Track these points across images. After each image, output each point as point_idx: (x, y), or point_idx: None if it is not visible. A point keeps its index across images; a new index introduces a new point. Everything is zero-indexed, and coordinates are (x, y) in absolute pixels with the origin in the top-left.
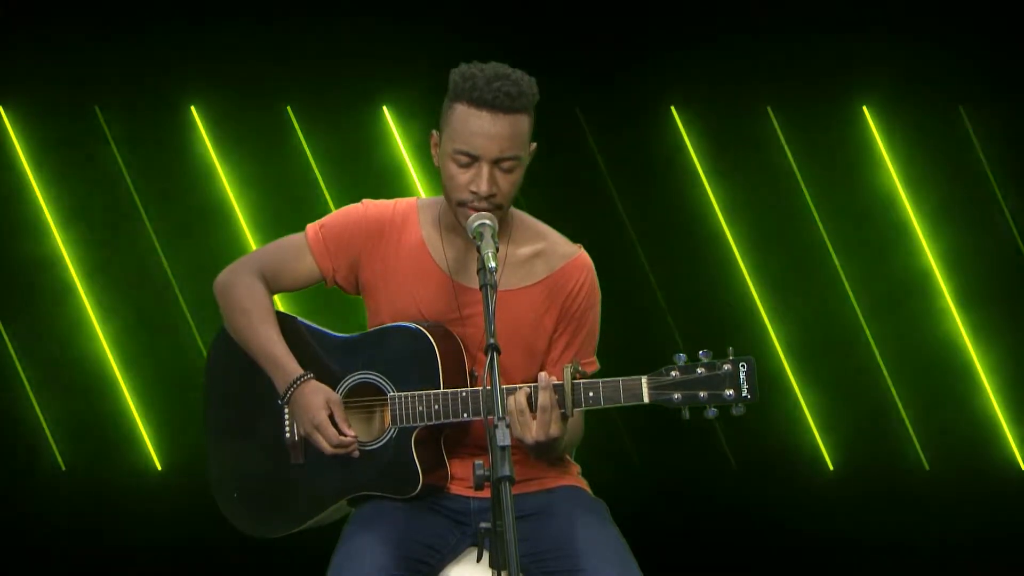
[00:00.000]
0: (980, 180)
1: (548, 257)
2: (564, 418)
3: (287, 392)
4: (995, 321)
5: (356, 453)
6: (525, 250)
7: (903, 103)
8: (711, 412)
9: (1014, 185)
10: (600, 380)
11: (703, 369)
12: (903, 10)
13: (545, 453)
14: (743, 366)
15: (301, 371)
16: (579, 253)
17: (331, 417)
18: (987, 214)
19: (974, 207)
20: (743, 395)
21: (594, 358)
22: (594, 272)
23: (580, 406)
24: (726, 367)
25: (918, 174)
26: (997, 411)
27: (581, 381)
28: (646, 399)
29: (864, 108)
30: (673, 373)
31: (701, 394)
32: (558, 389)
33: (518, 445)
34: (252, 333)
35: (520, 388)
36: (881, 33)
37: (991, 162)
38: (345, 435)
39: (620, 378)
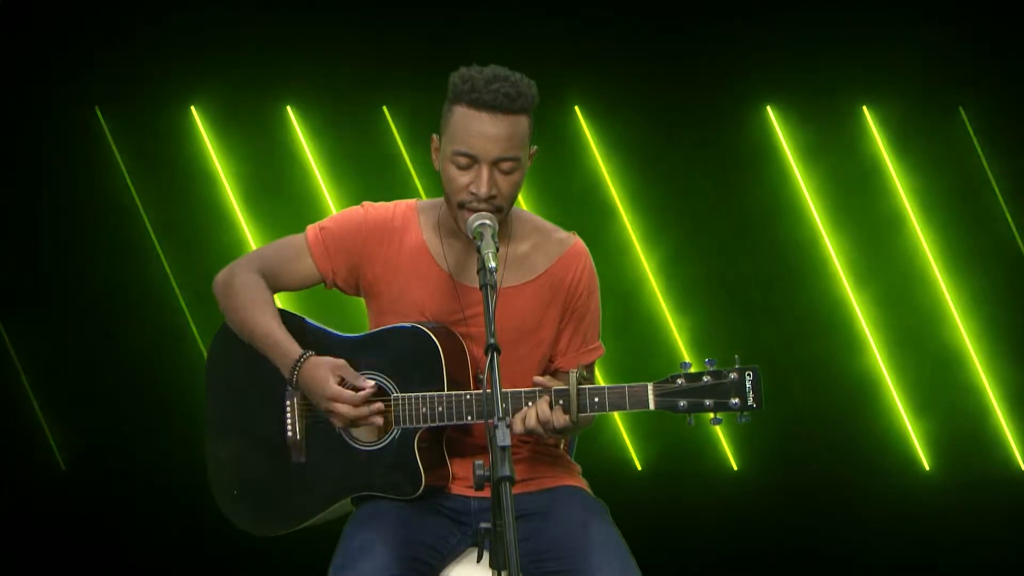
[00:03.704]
0: (980, 180)
1: (545, 249)
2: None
3: (292, 375)
4: (995, 321)
5: (379, 407)
6: (524, 246)
7: (903, 103)
8: (716, 420)
9: (1014, 185)
10: (606, 386)
11: (709, 377)
12: (904, 9)
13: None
14: (749, 375)
15: (301, 351)
16: (575, 241)
17: (343, 383)
18: (987, 214)
19: (974, 207)
20: (748, 404)
21: (599, 342)
22: (591, 258)
23: (585, 411)
24: (732, 376)
25: (917, 174)
26: (997, 411)
27: (587, 387)
28: (651, 406)
29: (864, 108)
30: (679, 381)
31: (706, 402)
32: (563, 394)
33: (519, 445)
34: (253, 324)
35: (530, 408)
36: (882, 33)
37: (991, 162)
38: (363, 388)
39: (626, 385)
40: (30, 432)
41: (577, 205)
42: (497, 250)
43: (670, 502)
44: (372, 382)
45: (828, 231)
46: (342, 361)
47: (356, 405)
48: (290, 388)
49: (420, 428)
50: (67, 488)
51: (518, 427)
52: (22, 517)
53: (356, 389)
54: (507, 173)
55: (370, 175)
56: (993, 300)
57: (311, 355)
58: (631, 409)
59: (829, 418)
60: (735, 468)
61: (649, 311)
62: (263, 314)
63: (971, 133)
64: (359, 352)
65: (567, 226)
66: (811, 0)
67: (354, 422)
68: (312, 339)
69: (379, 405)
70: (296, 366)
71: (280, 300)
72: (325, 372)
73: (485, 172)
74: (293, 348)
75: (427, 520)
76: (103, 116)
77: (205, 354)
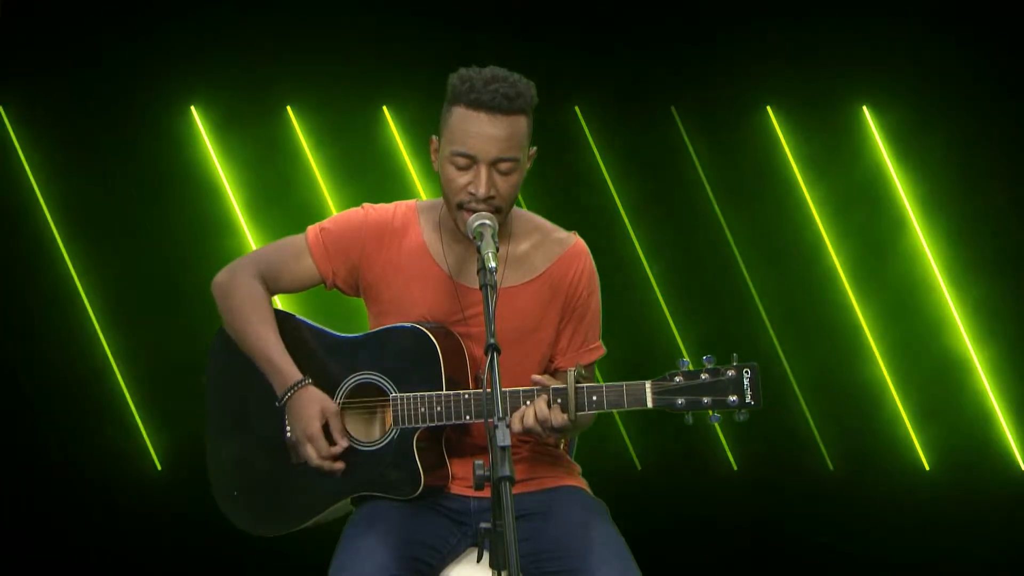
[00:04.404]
0: (980, 180)
1: (545, 248)
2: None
3: (284, 396)
4: (995, 321)
5: (340, 467)
6: (524, 245)
7: (902, 103)
8: (714, 418)
9: (1014, 185)
10: (604, 384)
11: (707, 375)
12: (904, 9)
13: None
14: (747, 372)
15: (300, 376)
16: (575, 241)
17: (326, 427)
18: (987, 214)
19: (974, 207)
20: (747, 401)
21: (599, 342)
22: (591, 257)
23: (583, 410)
24: (730, 373)
25: (918, 175)
26: (997, 411)
27: (585, 385)
28: (650, 404)
29: (864, 108)
30: (677, 378)
31: (705, 400)
32: (562, 393)
33: (519, 444)
34: (250, 334)
35: (528, 407)
36: (881, 33)
37: (991, 162)
38: (336, 445)
39: (624, 383)
40: (31, 432)
41: (578, 206)
42: (497, 250)
43: (670, 502)
44: (347, 443)
45: (828, 231)
46: (335, 407)
47: (323, 456)
48: (276, 404)
49: (419, 428)
50: (70, 488)
51: (516, 426)
52: (22, 517)
53: (332, 442)
54: (505, 174)
55: (370, 175)
56: (994, 302)
57: (308, 383)
58: (629, 407)
59: (830, 419)
60: (735, 468)
61: (650, 314)
62: (261, 325)
63: (971, 134)
64: (358, 352)
65: (568, 227)
66: (810, 1)
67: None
68: (312, 340)
69: (340, 464)
70: (292, 389)
71: (280, 300)
72: (316, 411)
73: (484, 173)
74: (290, 370)
75: (427, 520)
76: (103, 116)
77: (205, 354)
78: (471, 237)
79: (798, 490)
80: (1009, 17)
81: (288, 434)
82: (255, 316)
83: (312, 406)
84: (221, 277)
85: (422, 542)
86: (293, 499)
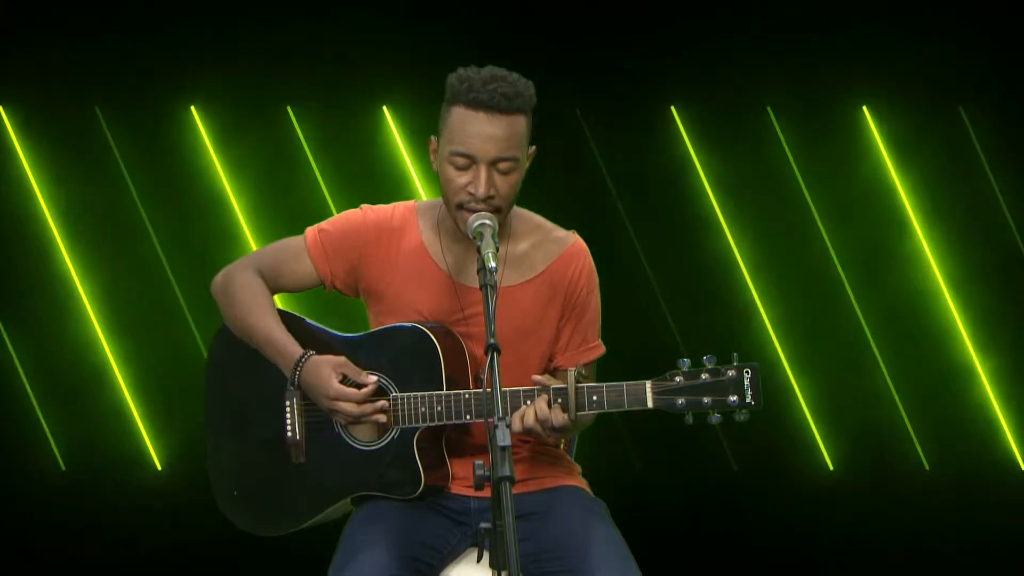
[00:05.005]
0: (980, 181)
1: (545, 247)
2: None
3: (294, 375)
4: (995, 321)
5: (383, 404)
6: (523, 245)
7: (903, 103)
8: (715, 418)
9: (1014, 186)
10: (604, 384)
11: (707, 375)
12: (904, 9)
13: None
14: (747, 372)
15: (301, 351)
16: (574, 239)
17: (345, 380)
18: (987, 215)
19: (974, 208)
20: (747, 401)
21: (599, 341)
22: (590, 256)
23: (584, 409)
24: (730, 373)
25: (918, 176)
26: (997, 411)
27: (585, 385)
28: (650, 404)
29: (864, 108)
30: (677, 378)
31: (705, 400)
32: (562, 393)
33: (519, 444)
34: (252, 324)
35: (528, 407)
36: (881, 32)
37: (991, 163)
38: (365, 387)
39: (624, 383)
40: (30, 432)
41: (578, 206)
42: (497, 249)
43: (670, 502)
44: (374, 377)
45: (828, 230)
46: (343, 359)
47: (359, 403)
48: (291, 388)
49: (419, 428)
50: (69, 488)
51: (516, 426)
52: (22, 517)
53: (359, 386)
54: (505, 173)
55: (370, 175)
56: (996, 305)
57: (312, 354)
58: (630, 407)
59: (830, 419)
60: (735, 468)
61: (650, 314)
62: (263, 314)
63: (972, 135)
64: (358, 352)
65: (568, 227)
66: (811, 2)
67: (357, 420)
68: (312, 339)
69: (383, 403)
70: (298, 366)
71: (280, 300)
72: (328, 371)
73: (483, 172)
74: (294, 348)
75: (427, 520)
76: (103, 116)
77: (205, 354)
78: (471, 237)
79: (798, 490)
80: (1009, 18)
81: (288, 433)
82: (255, 304)
83: (322, 368)
84: (220, 276)
85: (422, 542)
86: (293, 499)
